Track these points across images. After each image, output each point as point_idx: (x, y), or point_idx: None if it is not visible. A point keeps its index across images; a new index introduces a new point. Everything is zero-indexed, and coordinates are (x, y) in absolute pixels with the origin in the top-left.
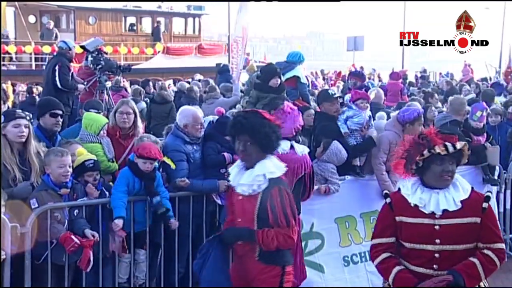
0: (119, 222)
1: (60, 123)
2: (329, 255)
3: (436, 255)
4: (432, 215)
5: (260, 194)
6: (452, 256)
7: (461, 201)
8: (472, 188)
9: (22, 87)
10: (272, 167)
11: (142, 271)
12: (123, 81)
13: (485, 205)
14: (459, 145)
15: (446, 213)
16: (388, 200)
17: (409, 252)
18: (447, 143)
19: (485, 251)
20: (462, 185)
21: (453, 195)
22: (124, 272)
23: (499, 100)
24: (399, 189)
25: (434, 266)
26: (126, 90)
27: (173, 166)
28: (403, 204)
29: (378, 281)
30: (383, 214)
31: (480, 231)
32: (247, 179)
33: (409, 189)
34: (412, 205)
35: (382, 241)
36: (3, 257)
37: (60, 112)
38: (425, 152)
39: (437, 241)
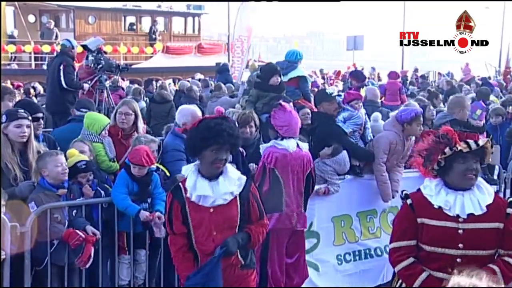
0: (143, 214)
1: (42, 126)
2: (323, 254)
3: (458, 260)
4: (456, 218)
5: (238, 197)
6: (474, 262)
7: (486, 206)
8: (495, 192)
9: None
10: (234, 168)
11: (142, 272)
12: (121, 81)
13: (509, 210)
14: (481, 141)
15: (470, 217)
16: (409, 201)
17: (428, 255)
18: (469, 140)
19: (506, 258)
20: (486, 187)
21: (479, 198)
22: (126, 274)
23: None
24: (418, 189)
25: (455, 271)
26: (123, 89)
27: (167, 173)
28: (425, 205)
29: (370, 280)
30: (403, 215)
31: (502, 237)
32: (227, 186)
33: (433, 190)
34: (435, 206)
35: (404, 244)
36: (3, 257)
37: (41, 115)
38: (447, 150)
39: (461, 245)
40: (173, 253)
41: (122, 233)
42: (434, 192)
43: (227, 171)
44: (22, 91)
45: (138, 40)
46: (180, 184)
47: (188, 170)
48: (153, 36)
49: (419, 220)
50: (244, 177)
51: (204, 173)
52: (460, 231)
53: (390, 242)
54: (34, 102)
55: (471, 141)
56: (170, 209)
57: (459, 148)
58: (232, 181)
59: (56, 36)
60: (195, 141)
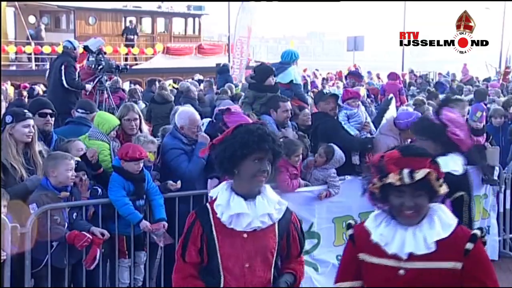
0: (144, 224)
1: (51, 122)
2: (323, 254)
3: None
4: (396, 255)
5: (276, 223)
6: None
7: (438, 241)
8: (458, 223)
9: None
10: (272, 191)
11: (141, 273)
12: (120, 82)
13: (468, 246)
14: (420, 173)
15: (415, 255)
16: (350, 231)
17: None
18: (403, 171)
19: None
20: (443, 220)
21: (426, 233)
22: (126, 277)
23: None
24: (364, 219)
25: None
26: (123, 90)
27: (152, 158)
28: (366, 238)
29: None
30: (346, 250)
31: (461, 280)
32: (266, 207)
33: (374, 221)
34: (374, 241)
35: (347, 286)
36: (3, 257)
37: (49, 111)
38: (376, 180)
39: None
40: (176, 280)
41: (121, 236)
42: (375, 224)
43: (266, 191)
44: (17, 92)
45: (139, 41)
46: (208, 204)
47: (218, 190)
48: (131, 36)
49: (360, 255)
50: (286, 203)
51: (239, 191)
52: (401, 272)
53: (335, 281)
54: (42, 99)
55: (405, 172)
56: (189, 232)
57: (389, 180)
58: (271, 203)
59: (38, 36)
60: (233, 149)
